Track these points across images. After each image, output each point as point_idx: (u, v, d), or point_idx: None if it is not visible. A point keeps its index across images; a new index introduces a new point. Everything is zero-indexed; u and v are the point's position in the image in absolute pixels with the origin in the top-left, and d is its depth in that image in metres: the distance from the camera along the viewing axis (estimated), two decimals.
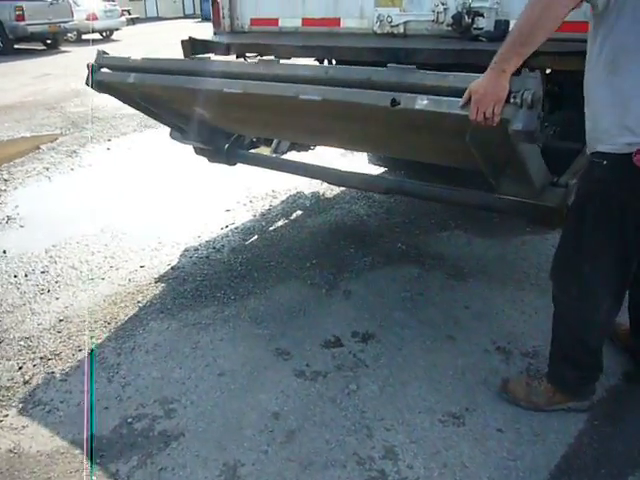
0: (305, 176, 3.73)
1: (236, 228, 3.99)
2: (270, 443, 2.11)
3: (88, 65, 2.86)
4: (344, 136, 2.96)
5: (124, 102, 3.29)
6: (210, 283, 3.22)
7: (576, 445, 2.12)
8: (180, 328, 2.80)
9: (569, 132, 3.04)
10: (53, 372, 2.51)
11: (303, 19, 3.71)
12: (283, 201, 4.46)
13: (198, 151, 3.68)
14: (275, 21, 3.85)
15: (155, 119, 3.48)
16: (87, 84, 2.91)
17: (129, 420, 2.21)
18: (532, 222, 2.84)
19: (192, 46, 3.66)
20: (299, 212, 4.27)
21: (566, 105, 2.99)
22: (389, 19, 3.33)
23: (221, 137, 3.48)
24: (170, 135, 3.53)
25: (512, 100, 1.68)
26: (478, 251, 3.63)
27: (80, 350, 2.65)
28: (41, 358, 2.61)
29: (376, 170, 5.00)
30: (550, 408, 2.26)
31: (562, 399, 2.25)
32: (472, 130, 1.92)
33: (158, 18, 26.71)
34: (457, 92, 1.83)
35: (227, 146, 3.51)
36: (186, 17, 27.85)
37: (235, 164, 3.65)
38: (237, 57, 4.00)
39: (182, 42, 3.68)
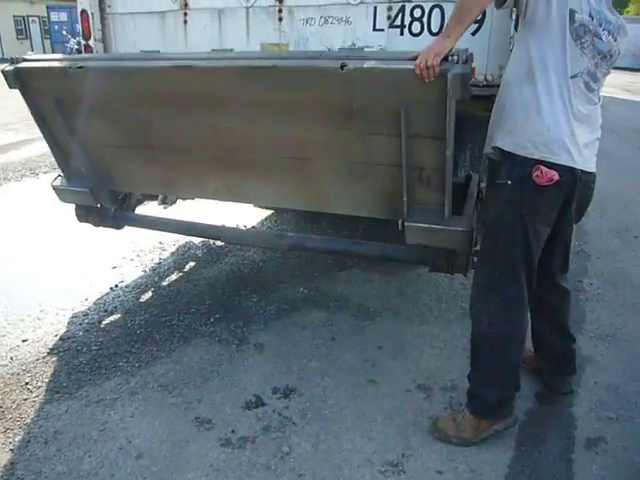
0: (201, 236, 3.57)
1: (127, 286, 3.71)
2: None
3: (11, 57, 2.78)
4: (264, 161, 2.77)
5: (31, 106, 2.91)
6: (108, 352, 2.93)
7: (511, 475, 2.18)
8: (82, 408, 2.50)
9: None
10: None
11: None
12: (173, 252, 4.25)
13: (82, 217, 3.38)
14: None
15: (52, 146, 3.11)
16: (2, 72, 2.74)
17: None
18: (434, 268, 2.88)
19: None
20: (192, 263, 4.08)
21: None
22: None
23: (107, 197, 3.19)
24: (52, 184, 3.19)
25: (450, 59, 1.97)
26: (379, 287, 3.70)
27: None
28: None
29: (263, 213, 4.96)
30: (479, 439, 2.31)
31: (487, 425, 2.31)
32: (409, 99, 2.14)
33: (3, 60, 24.86)
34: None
35: (114, 209, 3.26)
36: None
37: (122, 227, 3.43)
38: None
39: None
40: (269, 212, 4.98)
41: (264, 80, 2.36)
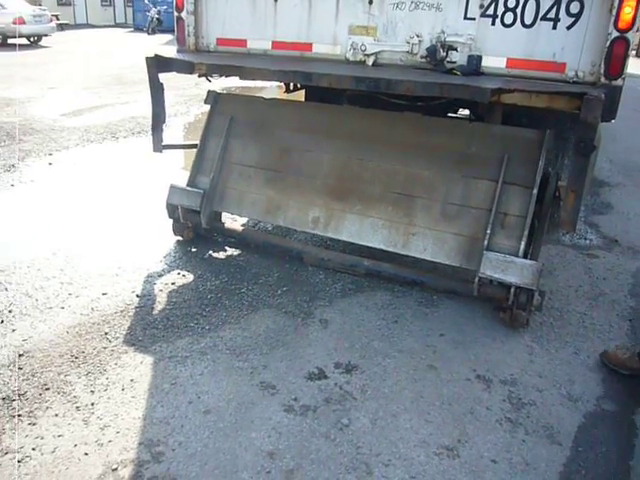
0: (284, 255, 3.78)
1: (198, 252, 3.86)
2: None
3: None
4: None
5: (210, 120, 3.72)
6: (181, 312, 3.09)
7: (565, 473, 2.18)
8: (156, 362, 2.67)
9: None
10: (20, 415, 2.31)
11: (273, 42, 3.69)
12: (243, 224, 4.38)
13: (178, 231, 3.95)
14: (243, 42, 3.80)
15: (199, 155, 3.73)
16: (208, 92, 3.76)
17: (114, 467, 2.07)
18: (499, 307, 3.16)
19: (157, 64, 3.56)
20: None
21: None
22: (363, 47, 3.37)
23: (207, 216, 3.72)
24: (171, 184, 3.79)
25: None
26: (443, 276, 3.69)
27: (47, 389, 2.46)
28: (3, 399, 2.40)
29: None
30: None
31: None
32: (513, 148, 2.97)
33: (88, 25, 25.71)
34: None
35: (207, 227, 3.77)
36: (117, 26, 27.00)
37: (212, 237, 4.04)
38: (199, 76, 3.92)
39: (147, 59, 3.57)
40: None
41: (407, 124, 3.10)
